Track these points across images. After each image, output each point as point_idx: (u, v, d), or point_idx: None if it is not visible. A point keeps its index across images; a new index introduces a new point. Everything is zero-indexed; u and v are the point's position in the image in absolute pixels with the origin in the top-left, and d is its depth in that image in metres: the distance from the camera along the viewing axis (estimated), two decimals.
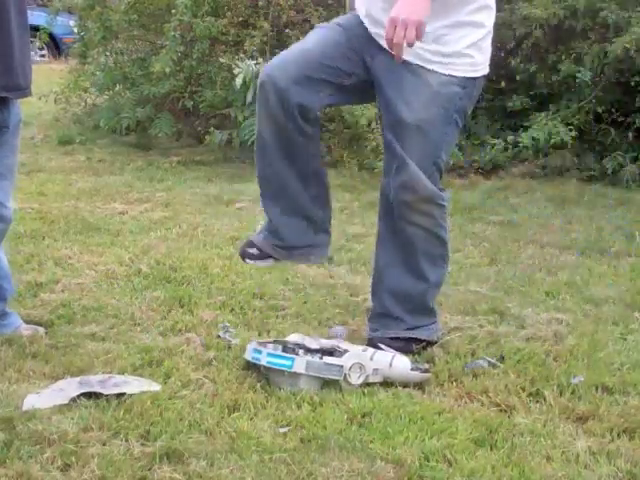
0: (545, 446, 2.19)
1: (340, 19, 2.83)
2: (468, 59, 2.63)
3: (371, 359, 2.53)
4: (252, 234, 3.01)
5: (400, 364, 2.54)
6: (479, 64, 2.67)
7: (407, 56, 2.52)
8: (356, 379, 2.49)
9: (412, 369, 2.53)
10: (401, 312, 2.78)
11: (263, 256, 2.87)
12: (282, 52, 2.79)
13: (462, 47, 2.61)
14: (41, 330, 2.83)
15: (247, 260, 2.90)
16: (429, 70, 2.60)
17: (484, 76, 2.72)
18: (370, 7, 2.66)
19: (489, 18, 2.67)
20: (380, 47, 2.61)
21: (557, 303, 3.28)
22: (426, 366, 2.58)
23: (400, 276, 2.77)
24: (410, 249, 2.74)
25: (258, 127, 2.76)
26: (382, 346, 2.66)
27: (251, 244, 2.89)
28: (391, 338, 2.74)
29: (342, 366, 2.48)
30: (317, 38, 2.74)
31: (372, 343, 2.72)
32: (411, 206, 2.68)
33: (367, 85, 2.72)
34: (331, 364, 2.48)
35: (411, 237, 2.73)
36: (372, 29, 2.66)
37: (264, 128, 2.71)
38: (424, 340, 2.78)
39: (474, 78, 2.67)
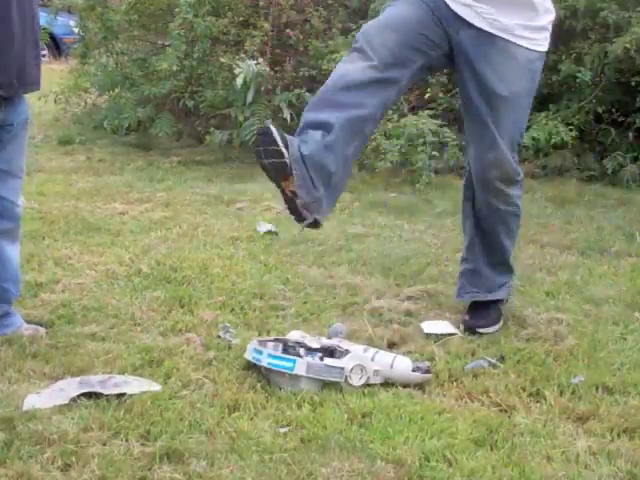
0: (545, 446, 2.19)
1: None
2: (546, 33, 2.75)
3: (372, 360, 2.53)
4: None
5: (401, 365, 2.54)
6: (549, 39, 2.79)
7: (494, 30, 2.64)
8: (357, 380, 2.49)
9: (413, 370, 2.53)
10: (489, 272, 3.00)
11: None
12: (376, 20, 2.73)
13: (546, 22, 2.73)
14: (42, 330, 2.83)
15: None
16: (517, 45, 2.69)
17: None
18: None
19: None
20: (464, 22, 2.68)
21: (557, 303, 3.27)
22: (427, 366, 2.58)
23: (483, 250, 2.97)
24: (492, 225, 2.92)
25: (345, 67, 2.63)
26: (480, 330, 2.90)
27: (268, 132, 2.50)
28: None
29: (343, 368, 2.48)
30: (404, 9, 2.70)
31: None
32: (495, 183, 2.79)
33: (447, 60, 2.78)
34: (332, 366, 2.48)
35: (493, 213, 2.88)
36: (455, 6, 2.69)
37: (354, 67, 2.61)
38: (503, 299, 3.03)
39: (545, 52, 2.79)
